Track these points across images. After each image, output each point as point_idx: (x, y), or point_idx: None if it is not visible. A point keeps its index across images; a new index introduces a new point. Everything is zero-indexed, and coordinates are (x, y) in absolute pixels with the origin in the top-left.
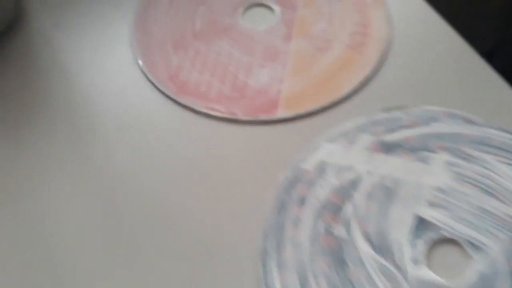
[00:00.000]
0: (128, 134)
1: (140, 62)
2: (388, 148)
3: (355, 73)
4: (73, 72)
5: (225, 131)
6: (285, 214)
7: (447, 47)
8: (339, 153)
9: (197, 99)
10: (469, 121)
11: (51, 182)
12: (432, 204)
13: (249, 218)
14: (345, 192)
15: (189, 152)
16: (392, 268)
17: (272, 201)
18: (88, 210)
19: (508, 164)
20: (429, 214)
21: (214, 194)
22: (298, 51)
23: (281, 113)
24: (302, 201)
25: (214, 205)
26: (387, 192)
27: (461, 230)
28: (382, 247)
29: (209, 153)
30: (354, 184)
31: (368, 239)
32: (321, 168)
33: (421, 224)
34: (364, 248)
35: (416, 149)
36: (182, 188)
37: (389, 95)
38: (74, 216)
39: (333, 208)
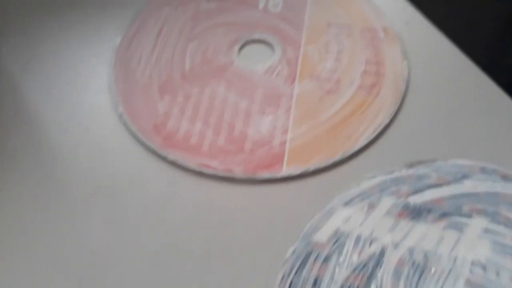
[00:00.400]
0: (105, 199)
1: (120, 110)
2: (415, 213)
3: (370, 119)
4: (41, 122)
5: (220, 192)
6: None
7: (475, 87)
8: (358, 220)
9: (187, 153)
10: (508, 178)
11: (12, 261)
12: (471, 284)
13: None
14: (367, 270)
15: (177, 219)
16: None
17: (278, 283)
18: None
19: None
20: None
21: (207, 276)
22: (303, 95)
23: (286, 170)
24: (315, 283)
25: None
26: (417, 269)
27: None
28: None
29: (201, 221)
30: (377, 259)
31: None
32: (338, 240)
33: None
34: None
35: (448, 213)
36: (169, 269)
37: (411, 146)
38: None
39: None
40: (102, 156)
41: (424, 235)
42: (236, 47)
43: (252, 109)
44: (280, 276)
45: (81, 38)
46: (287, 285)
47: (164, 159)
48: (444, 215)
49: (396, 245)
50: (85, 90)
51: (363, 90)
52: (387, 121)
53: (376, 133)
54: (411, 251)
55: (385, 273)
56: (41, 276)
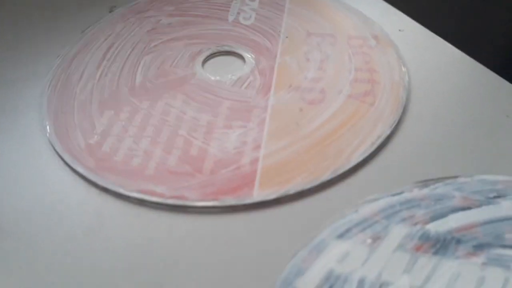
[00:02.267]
0: (15, 236)
1: (48, 128)
2: (439, 245)
3: (366, 131)
4: None
5: (166, 225)
6: None
7: (491, 91)
8: (358, 258)
9: (126, 177)
10: None
11: None
12: None
13: None
14: None
15: (108, 261)
16: None
17: None
18: None
19: None
20: None
21: None
22: (280, 106)
23: (259, 194)
24: None
25: None
26: None
27: None
28: None
29: (140, 263)
30: None
31: None
32: (332, 286)
33: None
34: None
35: (485, 245)
36: None
37: (420, 161)
38: None
39: None
40: (21, 182)
41: (456, 276)
42: (200, 59)
43: (215, 124)
44: None
45: (20, 57)
46: None
47: (95, 184)
48: (480, 247)
49: None
50: (13, 107)
51: (355, 99)
52: (388, 132)
53: (375, 146)
54: None
55: None
56: None
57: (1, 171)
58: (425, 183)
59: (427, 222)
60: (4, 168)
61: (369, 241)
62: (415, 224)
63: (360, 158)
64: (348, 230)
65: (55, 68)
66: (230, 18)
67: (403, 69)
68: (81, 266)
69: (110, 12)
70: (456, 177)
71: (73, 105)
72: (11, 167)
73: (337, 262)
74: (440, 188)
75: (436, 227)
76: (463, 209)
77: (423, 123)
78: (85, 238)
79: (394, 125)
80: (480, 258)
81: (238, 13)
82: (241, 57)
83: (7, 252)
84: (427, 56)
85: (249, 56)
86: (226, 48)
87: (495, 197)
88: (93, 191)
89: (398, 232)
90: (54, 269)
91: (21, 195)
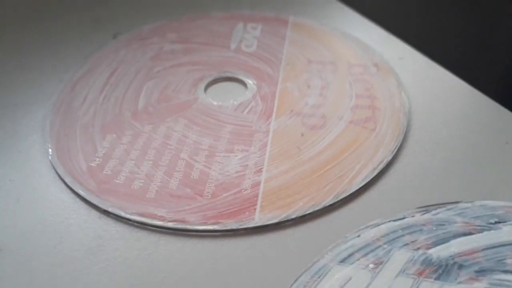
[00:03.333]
0: (11, 261)
1: (50, 150)
2: (441, 269)
3: (368, 156)
4: None
5: (168, 248)
6: None
7: (491, 119)
8: (361, 283)
9: (127, 200)
10: None
11: None
12: None
13: None
14: None
15: (112, 284)
16: None
17: None
18: None
19: None
20: None
21: None
22: (282, 131)
23: (260, 218)
24: None
25: None
26: None
27: None
28: None
29: (143, 286)
30: None
31: None
32: None
33: None
34: None
35: (487, 270)
36: None
37: (421, 186)
38: None
39: None
40: (22, 204)
41: None
42: (202, 85)
43: (217, 148)
44: None
45: (24, 81)
46: None
47: (96, 207)
48: (482, 272)
49: None
50: (15, 130)
51: (356, 125)
52: (389, 158)
53: (376, 171)
54: None
55: None
56: None
57: (3, 192)
58: (426, 208)
59: (429, 247)
60: (5, 189)
61: (371, 266)
62: (417, 249)
63: (362, 183)
64: (350, 255)
65: (58, 92)
66: (233, 46)
67: (404, 95)
68: (80, 286)
69: (113, 38)
70: (457, 202)
71: (75, 128)
72: (12, 188)
73: (339, 287)
74: (441, 214)
75: (438, 252)
76: (465, 234)
77: (424, 149)
78: (85, 260)
79: (395, 151)
80: (482, 283)
81: (240, 41)
82: (243, 83)
83: (6, 272)
84: (427, 83)
85: (251, 82)
86: (228, 74)
87: (496, 222)
88: (94, 213)
89: (400, 257)
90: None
91: (22, 216)
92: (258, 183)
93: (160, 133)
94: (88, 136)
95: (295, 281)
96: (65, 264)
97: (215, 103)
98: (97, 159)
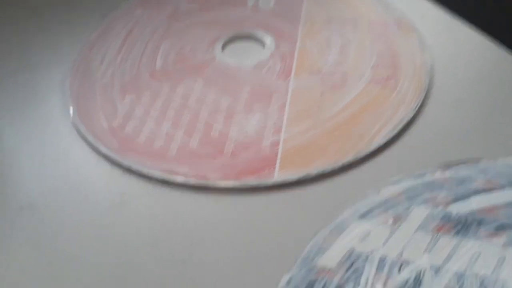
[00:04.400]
0: (41, 214)
1: (71, 111)
2: (460, 225)
3: (388, 115)
4: None
5: (190, 204)
6: None
7: (507, 70)
8: (380, 237)
9: (149, 158)
10: None
11: None
12: None
13: None
14: None
15: (133, 239)
16: None
17: None
18: None
19: None
20: None
21: None
22: (301, 90)
23: (280, 175)
24: None
25: None
26: None
27: None
28: None
29: (165, 241)
30: None
31: None
32: (352, 264)
33: None
34: None
35: (507, 226)
36: None
37: (442, 144)
38: None
39: None
40: (47, 162)
41: (477, 256)
42: (219, 44)
43: (235, 108)
44: None
45: (42, 43)
46: None
47: (119, 165)
48: (501, 227)
49: (437, 270)
50: (36, 91)
51: (377, 84)
52: (410, 116)
53: (397, 130)
54: (460, 277)
55: None
56: None
57: (27, 153)
58: (447, 165)
59: (449, 204)
60: (29, 150)
61: (390, 221)
62: (437, 205)
63: (382, 141)
64: (369, 211)
65: (76, 53)
66: (250, 3)
67: (426, 54)
68: (106, 240)
69: None
70: (478, 159)
71: (95, 89)
72: (36, 148)
73: (358, 242)
74: (463, 171)
75: (458, 209)
76: (485, 191)
77: (446, 107)
78: (110, 214)
79: (416, 109)
80: (501, 239)
81: None
82: (260, 41)
83: (35, 225)
84: (450, 41)
85: (269, 40)
86: (246, 33)
87: None
88: (117, 171)
89: (419, 213)
90: (80, 242)
91: (47, 174)
92: (278, 142)
93: (178, 94)
94: (107, 96)
95: (315, 235)
96: (90, 217)
97: (232, 62)
98: (118, 119)
